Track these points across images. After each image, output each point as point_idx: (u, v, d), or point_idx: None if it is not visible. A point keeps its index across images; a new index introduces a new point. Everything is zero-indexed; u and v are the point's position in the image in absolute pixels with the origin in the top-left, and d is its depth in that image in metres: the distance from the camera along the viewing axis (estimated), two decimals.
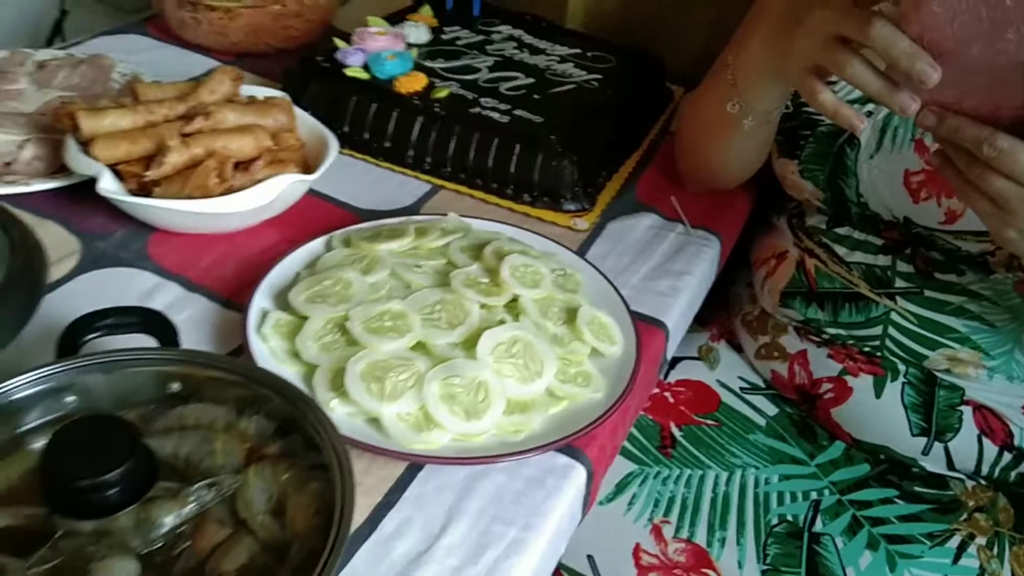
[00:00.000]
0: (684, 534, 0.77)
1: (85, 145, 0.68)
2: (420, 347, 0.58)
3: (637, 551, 0.77)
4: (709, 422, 0.84)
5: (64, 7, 1.50)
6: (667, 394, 0.87)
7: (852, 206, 0.78)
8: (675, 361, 0.90)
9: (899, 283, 0.77)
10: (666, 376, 0.88)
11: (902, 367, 0.78)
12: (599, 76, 0.95)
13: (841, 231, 0.81)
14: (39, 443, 0.44)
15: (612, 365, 0.62)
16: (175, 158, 0.66)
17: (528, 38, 1.02)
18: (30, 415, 0.45)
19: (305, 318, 0.59)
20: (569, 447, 0.57)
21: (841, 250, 0.80)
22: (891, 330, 0.78)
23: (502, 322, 0.60)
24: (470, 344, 0.58)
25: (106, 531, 0.40)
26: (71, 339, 0.48)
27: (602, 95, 0.92)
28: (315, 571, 0.38)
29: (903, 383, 0.78)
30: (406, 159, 0.85)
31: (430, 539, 0.50)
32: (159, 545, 0.41)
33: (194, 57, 1.00)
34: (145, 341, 0.49)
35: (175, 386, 0.48)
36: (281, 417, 0.47)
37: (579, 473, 0.56)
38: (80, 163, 0.67)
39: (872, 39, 0.51)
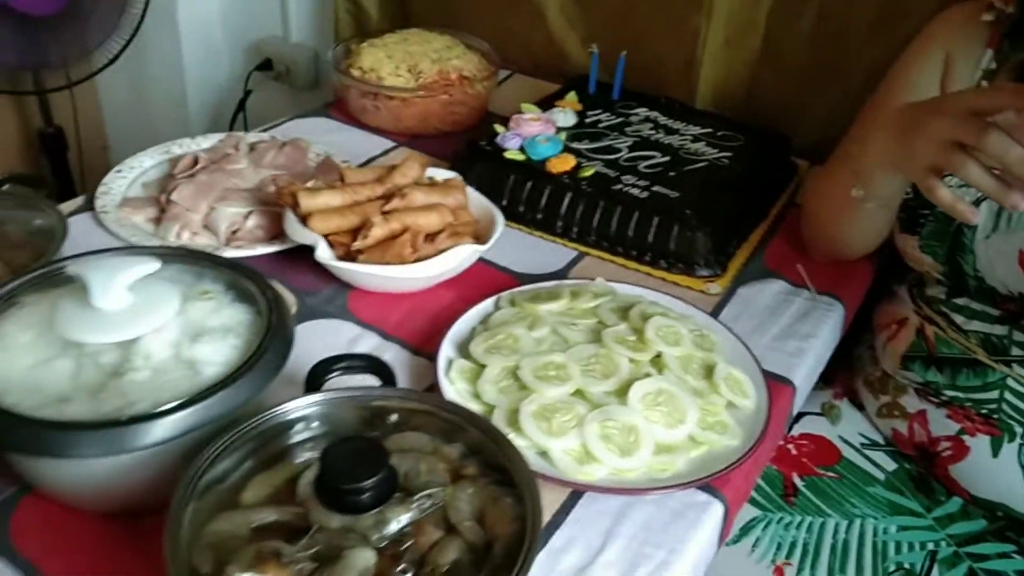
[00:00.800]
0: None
1: (302, 219, 0.83)
2: (579, 394, 0.69)
3: None
4: (830, 474, 0.91)
5: (248, 87, 1.72)
6: (790, 446, 0.94)
7: (970, 279, 0.85)
8: (799, 416, 0.97)
9: (1015, 351, 0.83)
10: (790, 429, 0.96)
11: (1018, 429, 0.83)
12: (729, 153, 1.05)
13: (959, 301, 0.87)
14: (299, 457, 0.57)
15: (746, 417, 0.71)
16: (378, 232, 0.80)
17: (663, 119, 1.13)
18: (290, 434, 0.58)
19: (484, 366, 0.71)
20: (709, 486, 0.66)
21: (959, 319, 0.87)
22: (1007, 395, 0.83)
23: (648, 375, 0.70)
24: (621, 392, 0.69)
25: (351, 528, 0.52)
26: (315, 377, 0.61)
27: (732, 171, 1.02)
28: (515, 567, 0.49)
29: (1020, 444, 0.83)
30: (556, 229, 0.97)
31: (591, 555, 0.61)
32: (390, 541, 0.53)
33: (373, 139, 1.16)
34: (370, 381, 0.62)
35: (394, 417, 0.60)
36: (475, 445, 0.59)
37: (717, 509, 0.65)
38: (299, 233, 0.82)
39: (987, 148, 0.60)
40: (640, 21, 1.28)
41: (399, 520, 0.53)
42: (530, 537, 0.51)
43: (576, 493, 0.64)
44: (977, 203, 0.78)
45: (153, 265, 0.61)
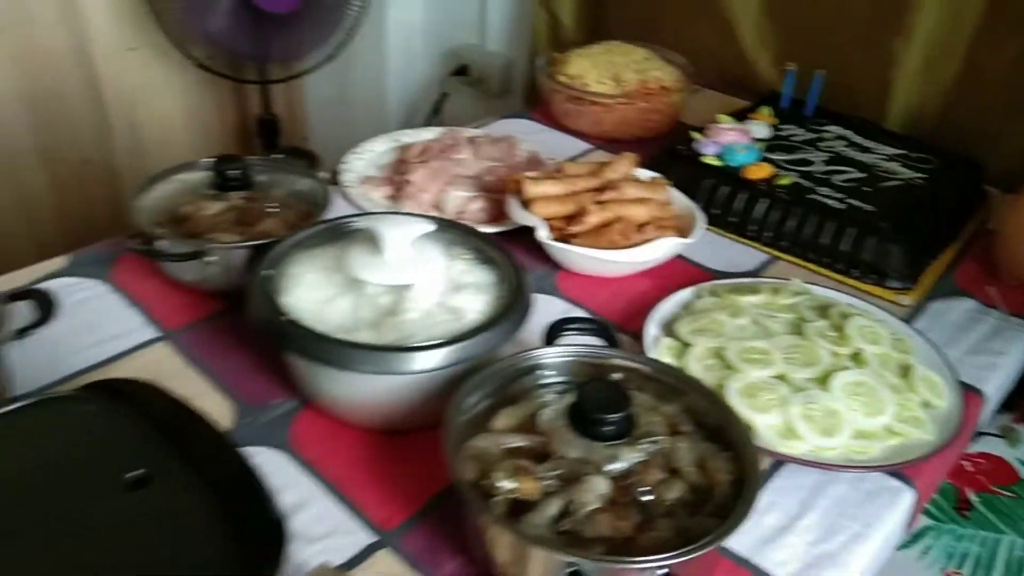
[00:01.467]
0: None
1: (525, 204, 0.93)
2: (781, 378, 0.75)
3: None
4: (1007, 493, 0.92)
5: (444, 91, 1.87)
6: (966, 463, 0.96)
7: None
8: (977, 436, 0.99)
9: None
10: (967, 448, 0.97)
11: None
12: (924, 176, 1.08)
13: None
14: (539, 397, 0.66)
15: (939, 416, 0.74)
16: (593, 219, 0.89)
17: (856, 138, 1.17)
18: (532, 377, 0.67)
19: (688, 345, 0.78)
20: (902, 473, 0.70)
21: None
22: None
23: (847, 368, 0.75)
24: (821, 381, 0.74)
25: (587, 459, 0.60)
26: (552, 334, 0.70)
27: (926, 192, 1.05)
28: (737, 509, 0.56)
29: None
30: (748, 232, 1.03)
31: (790, 519, 0.66)
32: (619, 474, 0.60)
33: (572, 141, 1.26)
34: (595, 342, 0.71)
35: (618, 374, 0.68)
36: (691, 407, 0.66)
37: (907, 496, 0.70)
38: (522, 216, 0.92)
39: None
40: (834, 42, 1.32)
41: (628, 458, 0.61)
42: (753, 482, 0.57)
43: (777, 464, 0.70)
44: None
45: (431, 226, 0.71)
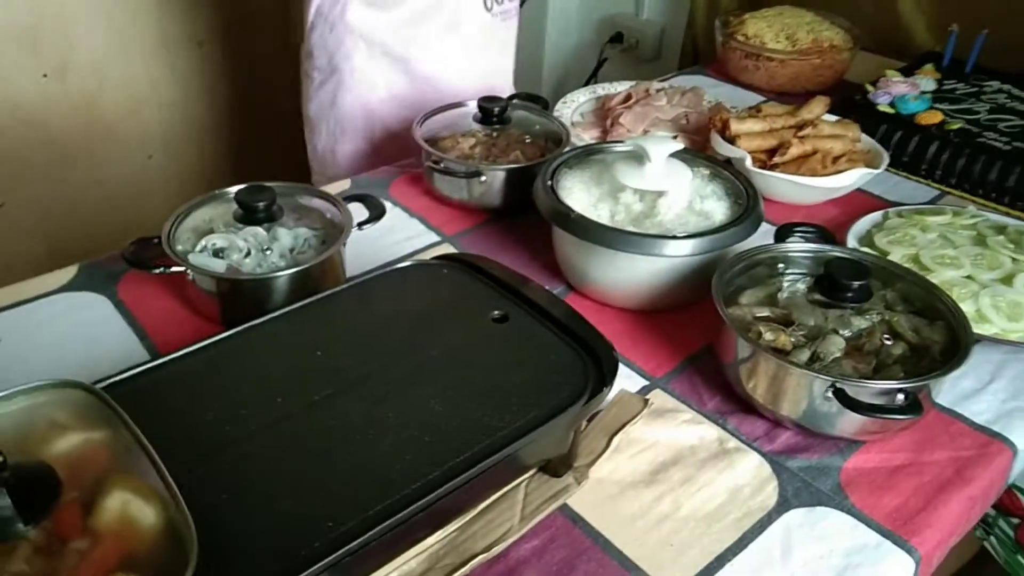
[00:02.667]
0: None
1: (730, 140, 1.09)
2: (968, 279, 0.89)
3: None
4: None
5: (602, 56, 2.03)
6: None
7: None
8: None
9: None
10: None
11: None
12: None
13: None
14: (776, 282, 0.82)
15: None
16: (795, 151, 1.04)
17: (1016, 91, 1.28)
18: (768, 267, 0.84)
19: (887, 253, 0.93)
20: None
21: None
22: None
23: None
24: (1006, 281, 0.88)
25: (823, 325, 0.77)
26: (781, 234, 0.87)
27: None
28: (951, 362, 0.71)
29: None
30: (920, 171, 1.17)
31: (983, 383, 0.81)
32: (852, 336, 0.76)
33: (747, 94, 1.41)
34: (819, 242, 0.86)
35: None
36: (903, 291, 0.81)
37: None
38: (728, 150, 1.08)
39: None
40: (990, 7, 1.42)
41: (858, 324, 0.77)
42: (966, 341, 0.72)
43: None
44: None
45: (681, 144, 0.89)
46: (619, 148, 0.96)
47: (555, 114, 1.27)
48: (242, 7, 1.91)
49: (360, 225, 0.90)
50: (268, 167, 2.18)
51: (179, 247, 0.83)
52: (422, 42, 1.25)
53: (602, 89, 1.36)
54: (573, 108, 1.32)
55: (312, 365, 0.66)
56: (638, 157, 0.89)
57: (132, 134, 1.85)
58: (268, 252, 0.84)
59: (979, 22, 1.39)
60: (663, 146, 0.88)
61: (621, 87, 1.35)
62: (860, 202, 1.09)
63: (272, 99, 2.09)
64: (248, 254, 0.84)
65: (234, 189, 0.87)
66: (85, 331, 0.83)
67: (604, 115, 1.26)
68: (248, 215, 0.85)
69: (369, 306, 0.74)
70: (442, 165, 1.01)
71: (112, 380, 0.61)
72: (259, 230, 0.86)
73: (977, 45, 1.33)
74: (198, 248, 0.84)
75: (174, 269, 0.81)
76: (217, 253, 0.84)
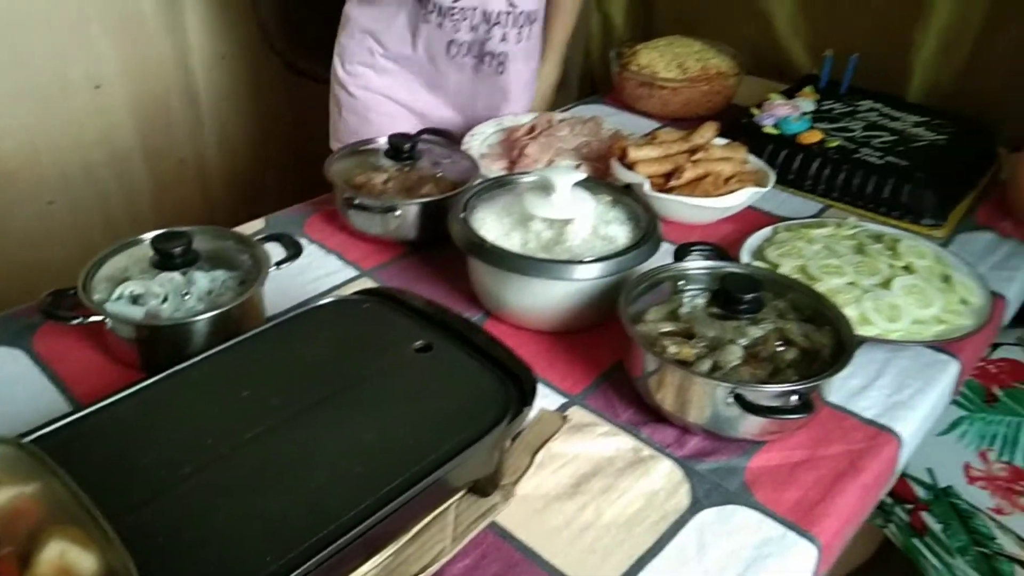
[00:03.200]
0: (1005, 458, 1.08)
1: (629, 166, 1.15)
2: (851, 285, 0.97)
3: (967, 468, 1.10)
4: None
5: None
6: (991, 367, 1.19)
7: None
8: (997, 345, 1.21)
9: None
10: (990, 355, 1.19)
11: None
12: (945, 137, 1.31)
13: None
14: (678, 297, 0.88)
15: (974, 311, 0.97)
16: (689, 174, 1.11)
17: (885, 110, 1.40)
18: (670, 284, 0.89)
19: (777, 266, 1.01)
20: (949, 350, 0.93)
21: None
22: None
23: (902, 274, 0.98)
24: (884, 285, 0.96)
25: (722, 336, 0.83)
26: (680, 252, 0.93)
27: (948, 150, 1.28)
28: (837, 363, 0.78)
29: None
30: (805, 186, 1.26)
31: (870, 380, 0.89)
32: (748, 344, 0.82)
33: (643, 121, 1.49)
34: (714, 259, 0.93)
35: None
36: (795, 301, 0.88)
37: (954, 366, 0.92)
38: (628, 176, 1.14)
39: None
40: (858, 32, 1.55)
41: (753, 334, 0.83)
42: (850, 343, 0.79)
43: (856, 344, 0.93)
44: None
45: (583, 175, 0.94)
46: (527, 179, 1.01)
47: (464, 146, 1.31)
48: (141, 49, 1.90)
49: (278, 264, 0.92)
50: (169, 209, 2.16)
51: (96, 296, 0.83)
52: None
53: (508, 121, 1.41)
54: (481, 140, 1.36)
55: (240, 405, 0.68)
56: (545, 188, 0.93)
57: (30, 181, 1.80)
58: (186, 296, 0.85)
59: (851, 46, 1.51)
60: (567, 176, 0.93)
61: (525, 119, 1.41)
62: (752, 218, 1.17)
63: (171, 141, 2.08)
64: (165, 299, 0.85)
65: (149, 236, 0.88)
66: (3, 388, 0.82)
67: (511, 146, 1.31)
68: (164, 261, 0.86)
69: (293, 344, 0.76)
70: (357, 201, 1.04)
71: (39, 433, 0.61)
72: (176, 275, 0.86)
73: (850, 68, 1.44)
74: (115, 296, 0.84)
75: (92, 319, 0.81)
76: (134, 300, 0.84)
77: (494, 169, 1.27)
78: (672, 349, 0.80)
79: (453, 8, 1.30)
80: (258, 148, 2.29)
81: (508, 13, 1.33)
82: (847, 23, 1.55)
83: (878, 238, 1.06)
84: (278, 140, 2.33)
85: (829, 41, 1.57)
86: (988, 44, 1.43)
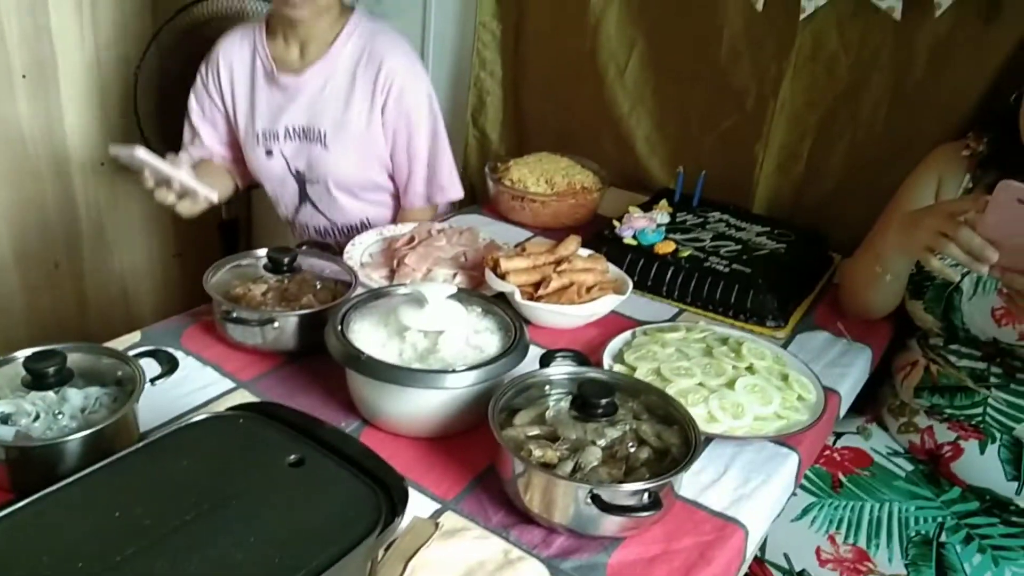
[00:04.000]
0: (851, 541, 1.18)
1: (501, 276, 1.23)
2: (701, 385, 1.06)
3: (819, 551, 1.19)
4: (866, 473, 1.26)
5: None
6: (835, 455, 1.30)
7: (959, 331, 1.22)
8: (841, 434, 1.33)
9: (993, 379, 1.20)
10: (835, 444, 1.31)
11: (998, 434, 1.19)
12: (784, 245, 1.46)
13: (953, 347, 1.25)
14: (544, 402, 0.94)
15: (810, 407, 1.07)
16: (555, 284, 1.20)
17: (732, 220, 1.55)
18: (536, 389, 0.96)
19: (635, 368, 1.09)
20: (789, 443, 1.03)
21: (953, 359, 1.24)
22: (989, 410, 1.19)
23: (746, 375, 1.08)
24: (729, 385, 1.06)
25: (583, 438, 0.89)
26: (545, 359, 1.00)
27: (788, 257, 1.42)
28: (683, 462, 0.86)
29: (999, 446, 1.18)
30: (661, 292, 1.37)
31: (719, 474, 0.97)
32: (607, 445, 0.89)
33: (516, 230, 1.58)
34: (576, 365, 1.00)
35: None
36: (647, 402, 0.96)
37: (794, 458, 1.02)
38: (500, 285, 1.22)
39: (959, 238, 0.99)
40: (708, 149, 1.72)
41: (611, 434, 0.90)
42: (695, 442, 0.87)
43: (708, 440, 1.01)
44: (963, 277, 1.17)
45: (454, 288, 1.01)
46: (403, 291, 1.07)
47: (345, 255, 1.37)
48: (17, 155, 1.88)
49: (153, 381, 0.93)
50: (41, 315, 2.09)
51: None
52: None
53: (389, 230, 1.48)
54: (362, 249, 1.42)
55: (112, 526, 0.69)
56: (419, 300, 0.99)
57: None
58: (59, 415, 0.85)
59: (702, 162, 1.67)
60: (440, 290, 0.99)
61: (406, 228, 1.48)
62: (615, 322, 1.26)
63: (46, 246, 2.04)
64: (37, 418, 0.85)
65: (21, 354, 0.88)
66: None
67: (391, 255, 1.37)
68: (36, 380, 0.86)
69: (165, 462, 0.77)
70: (234, 315, 1.07)
71: None
72: (49, 393, 0.86)
73: (699, 183, 1.59)
74: None
75: None
76: (5, 420, 0.83)
77: (374, 278, 1.32)
78: (537, 453, 0.86)
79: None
80: (136, 252, 2.26)
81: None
82: (697, 142, 1.72)
83: (724, 341, 1.16)
84: (157, 244, 2.31)
85: (682, 157, 1.73)
86: (820, 161, 1.61)
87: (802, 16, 1.49)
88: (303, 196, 1.62)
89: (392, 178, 1.60)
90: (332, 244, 1.29)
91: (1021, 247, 0.98)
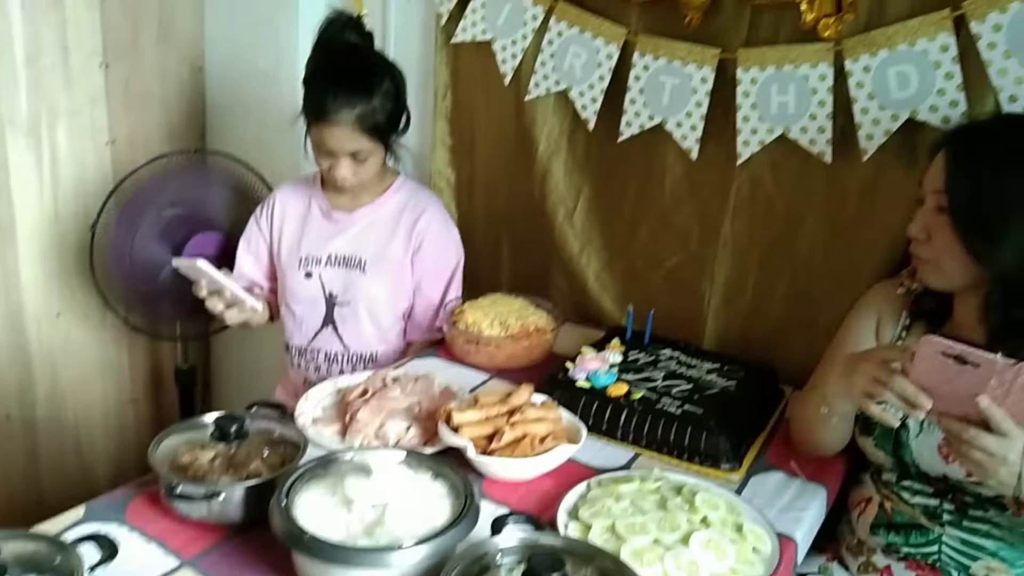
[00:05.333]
0: None
1: (454, 429, 1.23)
2: (656, 542, 1.05)
3: None
4: None
5: None
6: None
7: (910, 467, 1.24)
8: (802, 575, 1.32)
9: (946, 516, 1.20)
10: None
11: (955, 573, 1.18)
12: (734, 382, 1.48)
13: (905, 483, 1.26)
14: (499, 569, 0.93)
15: (764, 558, 1.07)
16: (508, 437, 1.20)
17: (683, 357, 1.57)
18: (490, 558, 0.94)
19: (590, 526, 1.08)
20: None
21: (906, 495, 1.25)
22: (944, 548, 1.20)
23: (700, 529, 1.07)
24: (684, 541, 1.05)
25: None
26: (496, 525, 0.99)
27: (738, 395, 1.44)
28: None
29: None
30: (617, 436, 1.37)
31: None
32: None
33: (472, 372, 1.59)
34: (528, 529, 0.99)
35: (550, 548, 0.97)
36: (602, 567, 0.95)
37: None
38: (453, 439, 1.22)
39: (892, 385, 1.02)
40: (657, 286, 1.76)
41: None
42: None
43: None
44: (905, 418, 1.19)
45: (401, 455, 1.00)
46: (351, 457, 1.06)
47: (297, 411, 1.36)
48: None
49: (92, 569, 0.90)
50: None
51: None
52: None
53: (343, 381, 1.48)
54: (314, 404, 1.41)
55: None
56: (366, 470, 0.99)
57: None
58: None
59: (651, 298, 1.72)
60: (387, 458, 0.99)
61: (360, 378, 1.48)
62: (571, 470, 1.26)
63: None
64: None
65: None
66: None
67: (343, 410, 1.37)
68: None
69: None
70: (178, 490, 1.05)
71: None
72: None
73: (649, 321, 1.62)
74: None
75: None
76: None
77: (326, 434, 1.31)
78: None
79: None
80: (91, 400, 2.23)
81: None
82: (645, 280, 1.77)
83: (679, 491, 1.16)
84: (113, 391, 2.28)
85: (632, 294, 1.78)
86: (764, 296, 1.66)
87: (738, 162, 1.56)
88: (328, 319, 1.76)
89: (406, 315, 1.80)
90: (284, 405, 1.28)
91: (952, 394, 1.01)
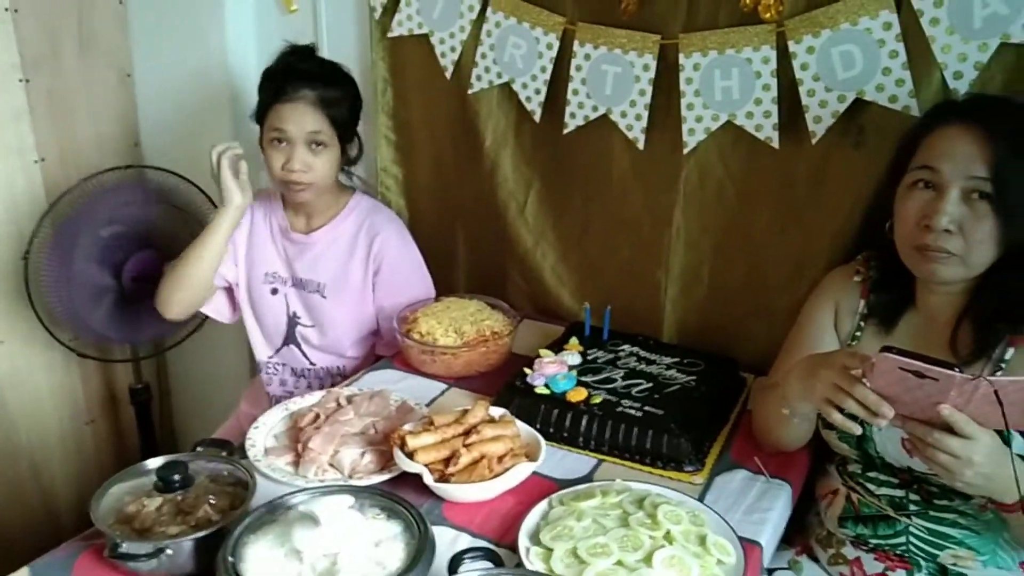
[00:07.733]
0: None
1: (409, 454, 1.19)
2: (619, 563, 1.03)
3: None
4: None
5: None
6: None
7: (875, 459, 1.22)
8: (772, 571, 1.31)
9: (912, 507, 1.20)
10: None
11: (923, 563, 1.18)
12: (695, 377, 1.45)
13: (871, 474, 1.25)
14: None
15: (730, 569, 1.05)
16: (465, 460, 1.17)
17: (643, 353, 1.54)
18: None
19: (551, 550, 1.06)
20: None
21: (872, 487, 1.24)
22: (911, 539, 1.19)
23: (663, 545, 1.05)
24: (647, 560, 1.03)
25: None
26: (454, 565, 0.96)
27: (699, 390, 1.42)
28: None
29: (926, 573, 1.17)
30: (578, 443, 1.35)
31: None
32: None
33: (429, 382, 1.55)
34: (487, 565, 0.97)
35: None
36: None
37: None
38: (408, 465, 1.18)
39: (854, 393, 1.00)
40: (613, 278, 1.73)
41: None
42: None
43: None
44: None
45: (351, 499, 0.96)
46: (300, 504, 1.02)
47: (247, 439, 1.32)
48: None
49: None
50: None
51: None
52: None
53: (294, 404, 1.43)
54: (266, 431, 1.37)
55: None
56: (315, 520, 0.95)
57: None
58: None
59: (609, 291, 1.69)
60: (335, 505, 0.95)
61: (313, 399, 1.44)
62: (533, 485, 1.23)
63: None
64: None
65: None
66: None
67: (295, 437, 1.32)
68: None
69: None
70: (121, 549, 1.00)
71: None
72: None
73: (606, 318, 1.59)
74: None
75: None
76: None
77: (279, 465, 1.27)
78: None
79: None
80: (45, 424, 2.16)
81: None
82: (602, 272, 1.74)
83: (641, 503, 1.14)
84: (68, 414, 2.22)
85: (590, 286, 1.75)
86: (720, 283, 1.63)
87: (685, 150, 1.52)
88: (290, 338, 1.77)
89: (374, 332, 1.79)
90: (230, 441, 1.24)
91: (914, 402, 0.99)
